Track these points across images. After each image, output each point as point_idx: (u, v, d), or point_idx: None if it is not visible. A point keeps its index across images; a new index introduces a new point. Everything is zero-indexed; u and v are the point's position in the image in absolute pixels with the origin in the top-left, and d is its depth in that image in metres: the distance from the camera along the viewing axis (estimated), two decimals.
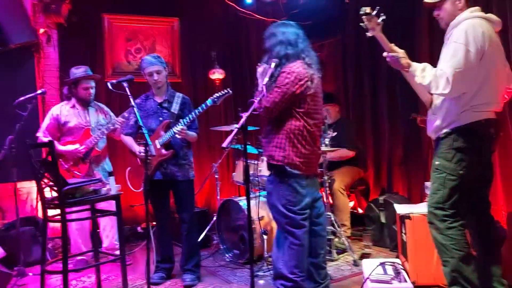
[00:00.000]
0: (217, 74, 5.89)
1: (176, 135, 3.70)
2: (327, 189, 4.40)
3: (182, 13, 6.00)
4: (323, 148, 4.22)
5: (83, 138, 4.27)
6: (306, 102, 2.88)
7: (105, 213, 3.70)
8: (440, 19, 2.91)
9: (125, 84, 3.37)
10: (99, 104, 4.60)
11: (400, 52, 2.86)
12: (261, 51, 3.10)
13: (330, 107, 5.05)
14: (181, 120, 3.73)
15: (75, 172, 4.25)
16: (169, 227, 4.02)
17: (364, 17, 2.79)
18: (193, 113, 3.73)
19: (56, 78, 5.27)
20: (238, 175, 4.73)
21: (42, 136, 4.30)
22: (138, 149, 3.81)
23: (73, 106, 4.38)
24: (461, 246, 2.72)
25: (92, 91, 4.39)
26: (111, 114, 4.58)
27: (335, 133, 4.78)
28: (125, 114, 4.03)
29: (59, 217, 3.12)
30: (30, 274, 4.14)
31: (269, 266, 3.92)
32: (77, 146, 4.23)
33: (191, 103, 4.00)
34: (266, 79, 2.81)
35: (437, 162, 2.84)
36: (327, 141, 4.39)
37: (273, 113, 2.86)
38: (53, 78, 5.26)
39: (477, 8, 2.80)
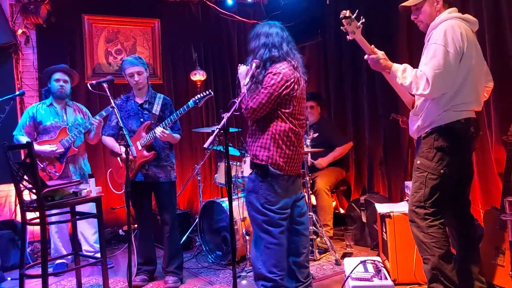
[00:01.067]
0: (198, 76, 5.87)
1: (158, 137, 3.68)
2: (309, 189, 4.42)
3: (163, 14, 5.96)
4: (305, 149, 4.24)
5: (59, 136, 4.21)
6: (292, 104, 2.87)
7: (85, 215, 3.66)
8: (419, 22, 2.94)
9: (105, 85, 3.35)
10: (78, 104, 4.55)
11: (380, 54, 2.88)
12: (243, 52, 3.09)
13: (315, 104, 5.08)
14: (163, 122, 3.71)
15: (51, 171, 4.17)
16: (151, 229, 3.98)
17: (343, 20, 2.77)
18: (174, 115, 3.71)
19: (34, 79, 5.20)
20: (220, 177, 4.73)
21: (18, 135, 4.23)
22: (122, 149, 3.78)
23: (51, 105, 4.32)
24: (441, 244, 2.75)
25: (66, 85, 4.30)
26: (90, 115, 4.52)
27: (317, 134, 4.81)
28: (103, 113, 3.99)
29: (38, 220, 3.07)
30: (9, 278, 4.08)
31: (252, 267, 3.93)
32: (54, 147, 4.15)
33: (172, 104, 3.98)
34: (247, 79, 2.77)
35: (418, 162, 2.87)
36: (308, 142, 4.41)
37: (259, 114, 2.83)
38: (31, 80, 5.20)
39: (454, 9, 2.85)
